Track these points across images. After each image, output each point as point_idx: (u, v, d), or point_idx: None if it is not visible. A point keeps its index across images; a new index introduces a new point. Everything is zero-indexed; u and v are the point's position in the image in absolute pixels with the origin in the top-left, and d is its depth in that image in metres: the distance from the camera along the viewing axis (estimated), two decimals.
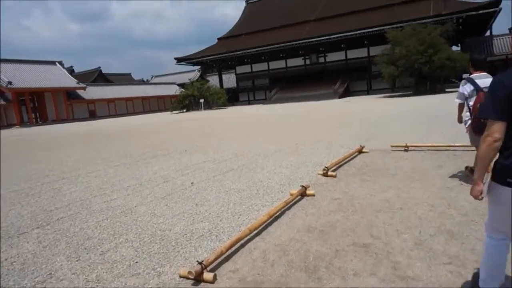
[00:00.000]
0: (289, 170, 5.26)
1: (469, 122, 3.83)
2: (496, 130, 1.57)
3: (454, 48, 36.96)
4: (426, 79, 30.25)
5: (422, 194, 3.70)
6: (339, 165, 5.24)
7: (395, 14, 36.91)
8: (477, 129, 3.42)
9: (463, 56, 28.67)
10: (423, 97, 24.59)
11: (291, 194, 3.81)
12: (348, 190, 4.06)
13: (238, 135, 10.71)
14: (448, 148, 5.78)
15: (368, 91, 41.54)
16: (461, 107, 4.03)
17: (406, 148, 6.04)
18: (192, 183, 4.91)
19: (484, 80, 3.65)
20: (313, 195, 3.90)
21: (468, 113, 3.89)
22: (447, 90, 30.53)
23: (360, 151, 6.21)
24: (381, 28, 34.26)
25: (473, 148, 4.12)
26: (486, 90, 3.10)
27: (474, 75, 3.82)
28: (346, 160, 5.54)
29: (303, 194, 3.89)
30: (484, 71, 3.83)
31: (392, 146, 6.31)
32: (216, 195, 4.25)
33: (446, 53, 28.00)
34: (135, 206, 4.02)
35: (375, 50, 37.18)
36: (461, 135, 5.06)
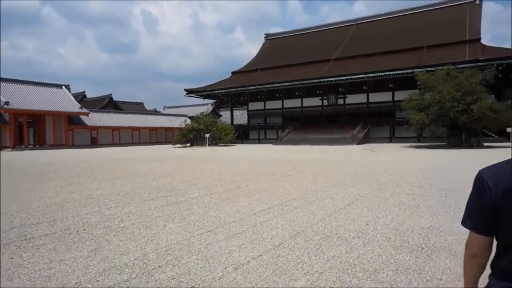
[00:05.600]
0: None
1: None
2: (473, 243, 1.22)
3: None
4: (461, 130, 26.14)
5: None
6: None
7: (424, 58, 33.59)
8: None
9: (508, 107, 24.69)
10: (464, 151, 20.35)
11: None
12: None
13: (195, 200, 6.87)
14: None
15: (391, 139, 37.46)
16: None
17: None
18: None
19: None
20: None
21: None
22: (485, 144, 26.27)
23: None
24: (410, 70, 30.80)
25: None
26: None
27: None
28: None
29: None
30: None
31: None
32: None
33: (487, 102, 24.03)
34: None
35: (400, 95, 33.60)
36: None
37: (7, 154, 28.65)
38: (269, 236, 4.18)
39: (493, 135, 30.75)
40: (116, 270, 3.16)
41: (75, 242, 4.05)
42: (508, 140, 25.71)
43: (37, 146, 42.71)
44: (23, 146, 39.28)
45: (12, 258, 3.52)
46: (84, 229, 4.61)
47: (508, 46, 32.28)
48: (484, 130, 28.16)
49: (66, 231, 4.53)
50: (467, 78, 24.44)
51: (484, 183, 1.15)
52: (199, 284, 2.84)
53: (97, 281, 2.94)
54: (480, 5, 39.77)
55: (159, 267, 3.23)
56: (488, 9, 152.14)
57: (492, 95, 34.59)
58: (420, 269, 3.12)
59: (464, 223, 1.24)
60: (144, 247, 3.82)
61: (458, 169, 11.28)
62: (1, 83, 39.16)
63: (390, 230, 4.37)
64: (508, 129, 25.94)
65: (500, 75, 27.91)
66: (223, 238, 4.10)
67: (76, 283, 2.89)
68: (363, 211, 5.39)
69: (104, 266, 3.26)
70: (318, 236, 4.13)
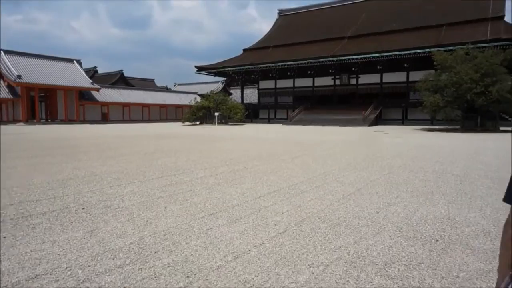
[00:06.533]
0: None
1: None
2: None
3: None
4: (477, 113, 25.32)
5: None
6: None
7: (444, 36, 32.28)
8: None
9: None
10: (480, 135, 19.68)
11: None
12: None
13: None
14: None
15: (403, 121, 36.67)
16: None
17: None
18: None
19: None
20: None
21: None
22: (501, 128, 25.47)
23: None
24: (428, 50, 29.69)
25: None
26: None
27: None
28: None
29: None
30: None
31: None
32: None
33: (507, 84, 23.08)
34: None
35: (415, 76, 32.63)
36: None
37: (20, 128, 28.97)
38: (273, 222, 3.97)
39: (510, 118, 29.77)
40: (110, 255, 3.00)
41: (72, 222, 3.92)
42: None
43: (49, 120, 43.17)
44: (35, 121, 39.70)
45: (4, 237, 3.40)
46: (83, 208, 4.48)
47: None
48: (501, 113, 27.29)
49: (64, 210, 4.40)
50: (487, 58, 23.41)
51: None
52: (195, 274, 2.66)
53: (89, 266, 2.78)
54: None
55: (155, 252, 3.06)
56: None
57: None
58: (434, 264, 2.88)
59: (505, 199, 1.13)
60: (142, 230, 3.66)
61: (474, 153, 10.87)
62: (13, 57, 39.22)
63: (402, 219, 4.12)
64: None
65: None
66: (225, 223, 3.92)
67: (66, 268, 2.74)
68: (374, 197, 5.14)
69: (98, 250, 3.11)
70: (325, 224, 3.91)
